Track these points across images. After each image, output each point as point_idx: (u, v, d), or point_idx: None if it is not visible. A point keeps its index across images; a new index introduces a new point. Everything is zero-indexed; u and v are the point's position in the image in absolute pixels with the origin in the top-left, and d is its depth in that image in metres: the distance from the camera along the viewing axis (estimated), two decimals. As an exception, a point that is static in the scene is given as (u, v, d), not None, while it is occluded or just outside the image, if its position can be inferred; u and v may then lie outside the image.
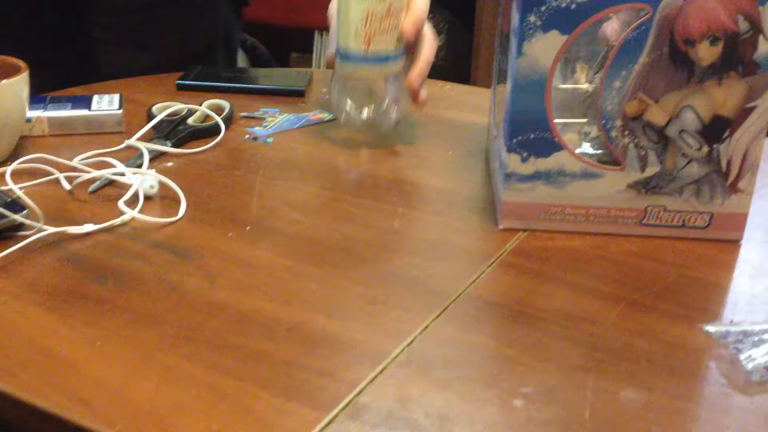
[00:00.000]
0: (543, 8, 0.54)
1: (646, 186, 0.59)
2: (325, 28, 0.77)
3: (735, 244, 0.60)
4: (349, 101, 0.74)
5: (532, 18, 0.54)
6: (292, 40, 1.65)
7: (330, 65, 0.77)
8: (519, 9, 0.55)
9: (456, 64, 2.52)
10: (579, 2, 0.53)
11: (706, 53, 0.54)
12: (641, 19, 0.53)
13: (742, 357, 0.47)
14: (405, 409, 0.43)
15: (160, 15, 0.98)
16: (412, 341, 0.48)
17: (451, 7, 2.51)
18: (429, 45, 0.75)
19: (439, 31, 2.71)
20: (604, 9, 0.53)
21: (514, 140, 0.58)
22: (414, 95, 0.74)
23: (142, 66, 0.93)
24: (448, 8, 2.51)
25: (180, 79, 0.88)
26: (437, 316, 0.51)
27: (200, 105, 0.80)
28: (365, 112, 0.74)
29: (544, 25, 0.54)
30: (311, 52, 1.71)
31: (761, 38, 0.53)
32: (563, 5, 0.53)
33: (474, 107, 0.84)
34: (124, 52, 0.98)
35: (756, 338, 0.49)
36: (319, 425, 0.42)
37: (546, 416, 0.43)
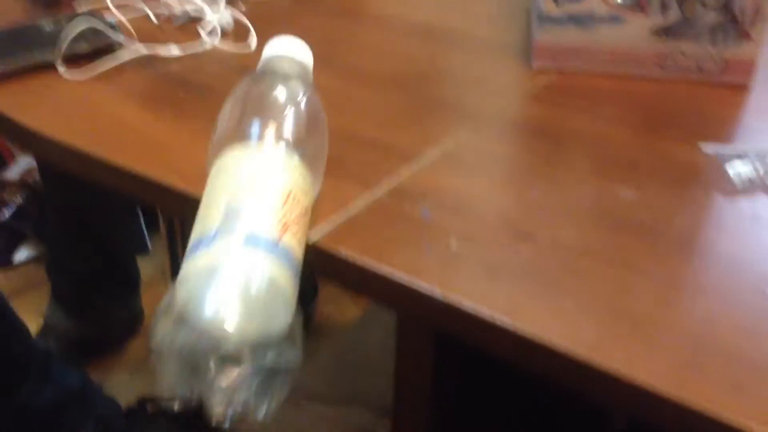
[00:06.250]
0: None
1: (667, 32, 0.65)
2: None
3: (745, 89, 0.66)
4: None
5: None
6: None
7: None
8: None
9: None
10: None
11: None
12: None
13: (730, 171, 0.55)
14: (434, 195, 0.52)
15: None
16: (444, 146, 0.57)
17: None
18: None
19: None
20: None
21: (550, -14, 0.65)
22: None
23: None
24: None
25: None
26: (468, 129, 0.59)
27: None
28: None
29: None
30: None
31: None
32: None
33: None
34: None
35: (746, 157, 0.56)
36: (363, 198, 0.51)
37: (551, 202, 0.52)
